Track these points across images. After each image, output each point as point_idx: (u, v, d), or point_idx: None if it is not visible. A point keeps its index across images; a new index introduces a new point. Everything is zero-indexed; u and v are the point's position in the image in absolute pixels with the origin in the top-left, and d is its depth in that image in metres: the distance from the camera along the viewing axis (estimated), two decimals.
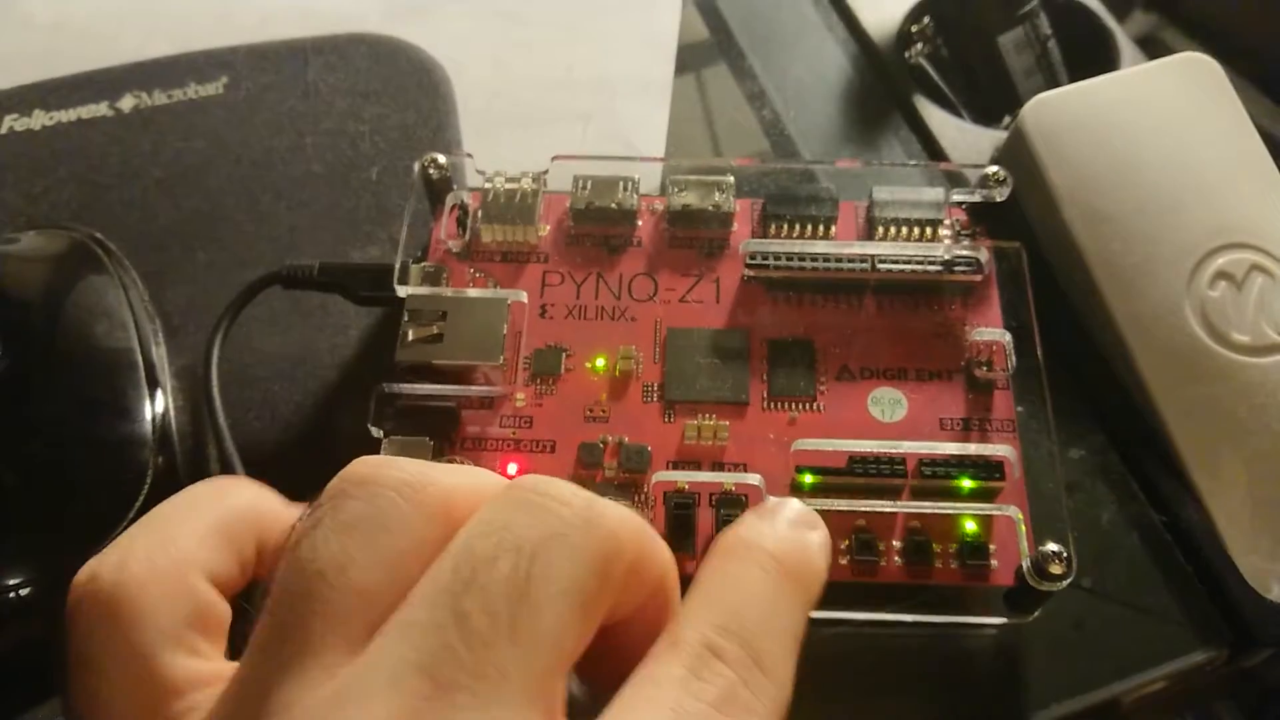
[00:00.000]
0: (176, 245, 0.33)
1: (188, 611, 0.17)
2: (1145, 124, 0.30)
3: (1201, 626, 0.26)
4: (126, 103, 0.36)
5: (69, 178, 0.34)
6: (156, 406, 0.27)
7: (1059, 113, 0.30)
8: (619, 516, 0.16)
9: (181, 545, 0.17)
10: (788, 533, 0.19)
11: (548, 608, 0.14)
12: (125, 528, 0.25)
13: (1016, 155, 0.31)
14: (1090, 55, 0.36)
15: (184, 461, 0.27)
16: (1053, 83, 0.35)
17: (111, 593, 0.16)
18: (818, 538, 0.19)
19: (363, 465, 0.16)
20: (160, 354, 0.28)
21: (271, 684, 0.14)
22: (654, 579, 0.17)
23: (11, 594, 0.24)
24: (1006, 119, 0.35)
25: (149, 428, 0.26)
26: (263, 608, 0.15)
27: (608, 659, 0.17)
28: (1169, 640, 0.26)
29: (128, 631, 0.16)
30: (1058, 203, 0.29)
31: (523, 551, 0.14)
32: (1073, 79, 0.35)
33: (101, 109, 0.36)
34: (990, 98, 0.36)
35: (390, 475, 0.16)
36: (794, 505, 0.20)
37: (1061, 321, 0.30)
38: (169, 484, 0.26)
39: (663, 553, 0.17)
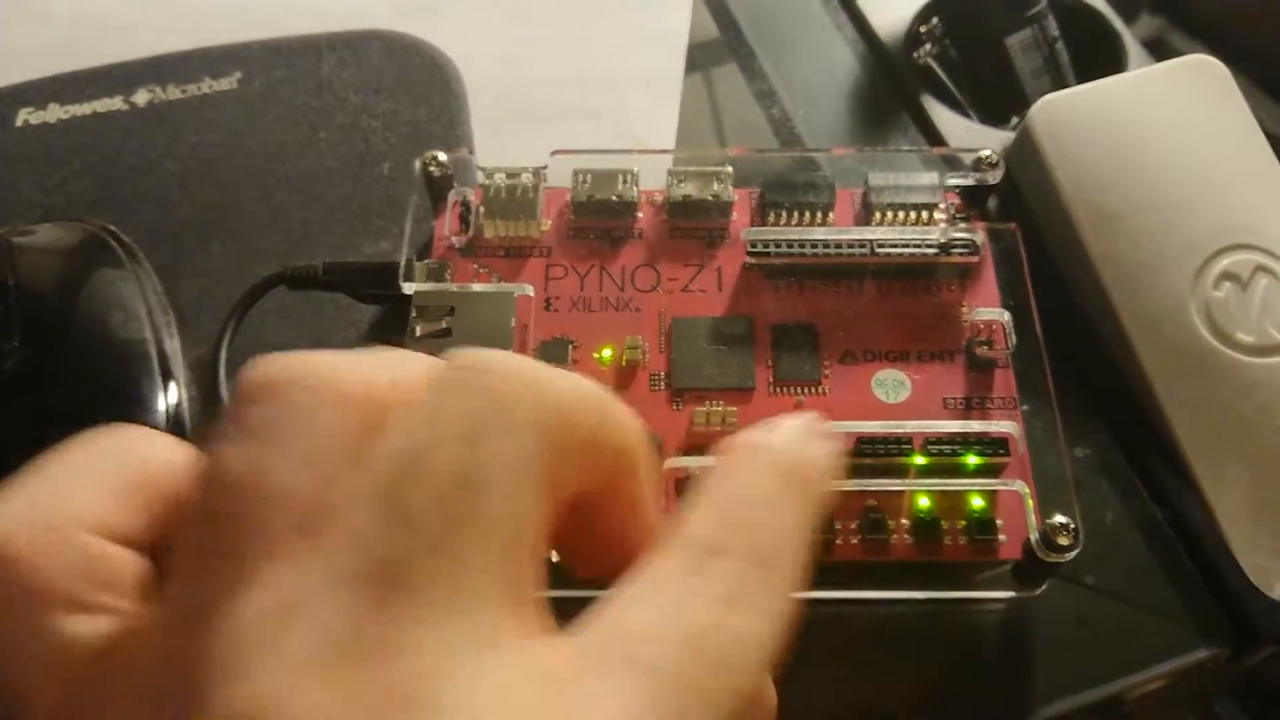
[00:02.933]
0: (190, 238, 0.33)
1: (79, 569, 0.15)
2: (1152, 125, 0.30)
3: (1204, 624, 0.26)
4: (141, 97, 0.36)
5: (84, 171, 0.35)
6: (170, 397, 0.27)
7: (1066, 113, 0.30)
8: (570, 386, 0.14)
9: (64, 501, 0.15)
10: (794, 436, 0.17)
11: (497, 492, 0.13)
12: None
13: (1024, 155, 0.31)
14: (1098, 57, 0.36)
15: None
16: (1060, 84, 0.35)
17: None
18: (824, 443, 0.18)
19: (260, 366, 0.14)
20: (174, 345, 0.28)
21: (209, 605, 0.13)
22: (617, 449, 0.15)
23: None
24: (1014, 119, 0.35)
25: (162, 418, 0.27)
26: (180, 537, 0.14)
27: (584, 536, 0.16)
28: (1172, 638, 0.26)
29: (13, 600, 0.14)
30: (1064, 202, 0.29)
31: (465, 437, 0.13)
32: (1080, 80, 0.35)
33: (116, 103, 0.36)
34: (998, 98, 0.36)
35: (296, 375, 0.14)
36: (804, 415, 0.18)
37: (1067, 319, 0.30)
38: None
39: (626, 422, 0.16)
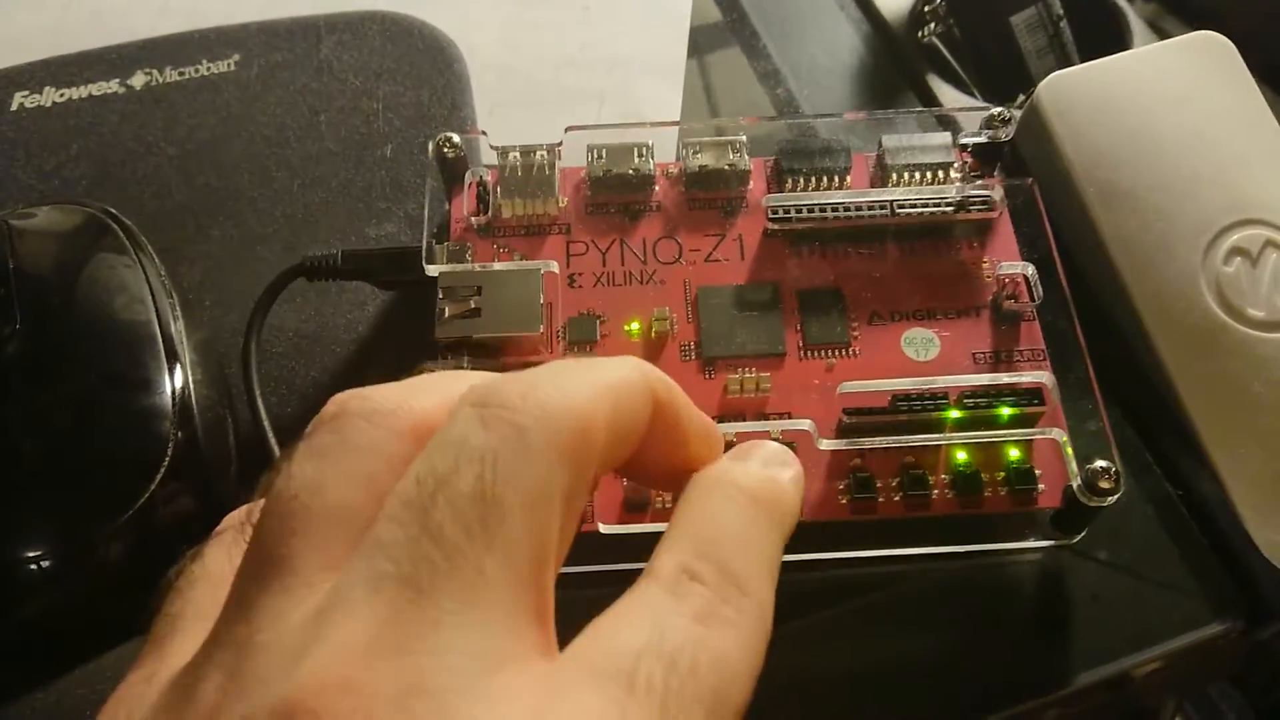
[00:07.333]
0: (190, 222, 0.33)
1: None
2: (1160, 101, 0.30)
3: (1217, 599, 0.26)
4: (138, 80, 0.36)
5: (81, 154, 0.34)
6: (176, 380, 0.27)
7: (1074, 90, 0.30)
8: (573, 397, 0.15)
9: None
10: (759, 470, 0.19)
11: (520, 510, 0.14)
12: (146, 501, 0.25)
13: (1032, 132, 0.31)
14: (1102, 36, 0.36)
15: (204, 435, 0.27)
16: (1065, 63, 0.35)
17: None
18: (789, 474, 0.19)
19: (333, 403, 0.16)
20: (179, 328, 0.28)
21: (257, 603, 0.14)
22: (645, 414, 0.17)
23: (33, 565, 0.24)
24: (1019, 98, 0.35)
25: (169, 401, 0.26)
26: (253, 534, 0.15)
27: (648, 468, 0.18)
28: (1186, 613, 0.26)
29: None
30: (1073, 180, 0.29)
31: (485, 461, 0.14)
32: (1084, 59, 0.35)
33: (113, 86, 0.36)
34: (1002, 78, 0.36)
35: (359, 405, 0.16)
36: (768, 446, 0.20)
37: (1076, 296, 0.30)
38: (189, 458, 0.26)
39: (647, 387, 0.17)
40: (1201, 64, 0.31)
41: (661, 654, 0.15)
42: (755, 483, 0.18)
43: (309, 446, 0.16)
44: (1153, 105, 0.30)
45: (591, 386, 0.16)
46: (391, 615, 0.13)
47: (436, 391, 0.16)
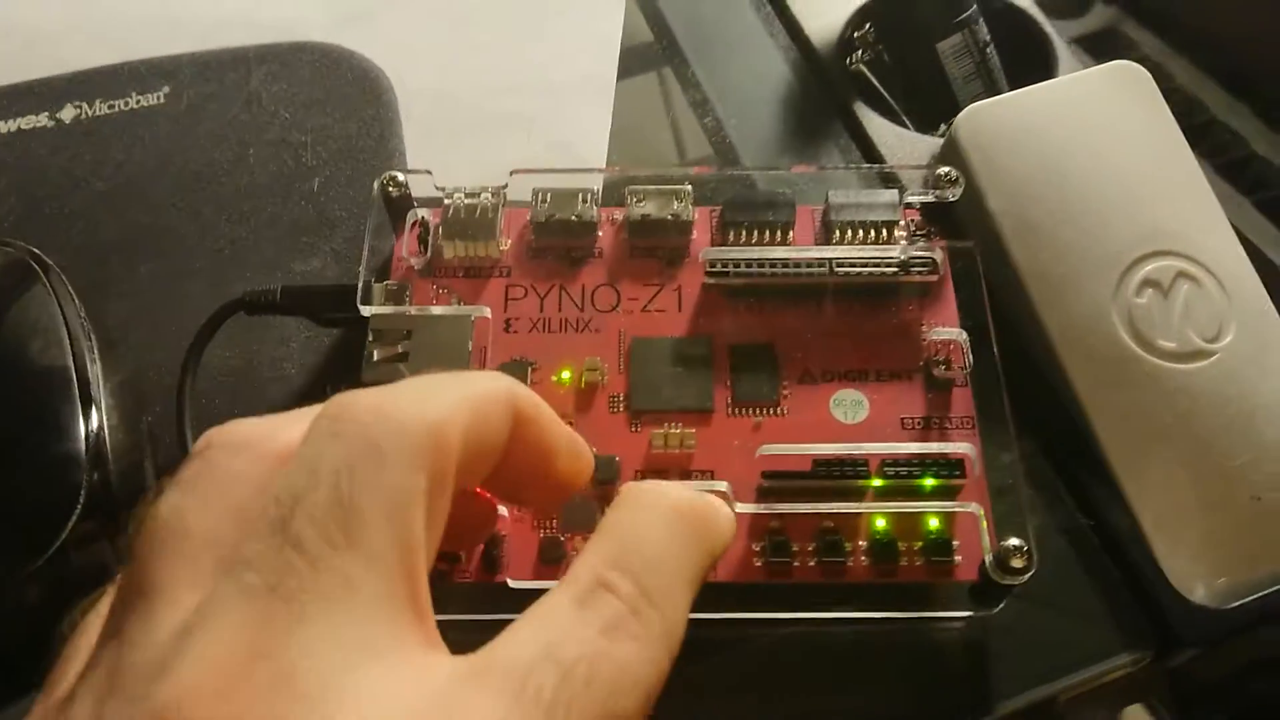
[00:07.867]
0: (118, 258, 0.33)
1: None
2: (1075, 133, 0.30)
3: (1127, 628, 0.27)
4: (68, 113, 0.36)
5: (9, 190, 0.34)
6: (91, 424, 0.27)
7: (991, 122, 0.31)
8: (427, 409, 0.16)
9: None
10: (691, 492, 0.19)
11: (379, 516, 0.15)
12: (59, 547, 0.25)
13: (950, 164, 0.31)
14: (1029, 60, 0.37)
15: (118, 479, 0.27)
16: (992, 89, 0.35)
17: None
18: (724, 509, 0.19)
19: (202, 438, 0.17)
20: (95, 371, 0.28)
21: (126, 626, 0.15)
22: (505, 425, 0.18)
23: None
24: (941, 128, 0.35)
25: (82, 446, 0.26)
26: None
27: (515, 483, 0.19)
28: (1096, 642, 0.26)
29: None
30: (989, 211, 0.30)
31: (340, 473, 0.15)
32: (1012, 84, 0.35)
33: (42, 120, 0.36)
34: (931, 104, 0.36)
35: (223, 438, 0.16)
36: (708, 493, 0.21)
37: (996, 328, 0.30)
38: (103, 502, 0.26)
39: (508, 399, 0.18)
40: (1117, 94, 0.31)
41: (557, 663, 0.15)
42: (685, 499, 0.19)
43: (176, 479, 0.16)
44: (1068, 137, 0.30)
45: (448, 398, 0.17)
46: (260, 622, 0.14)
47: (300, 422, 0.17)
